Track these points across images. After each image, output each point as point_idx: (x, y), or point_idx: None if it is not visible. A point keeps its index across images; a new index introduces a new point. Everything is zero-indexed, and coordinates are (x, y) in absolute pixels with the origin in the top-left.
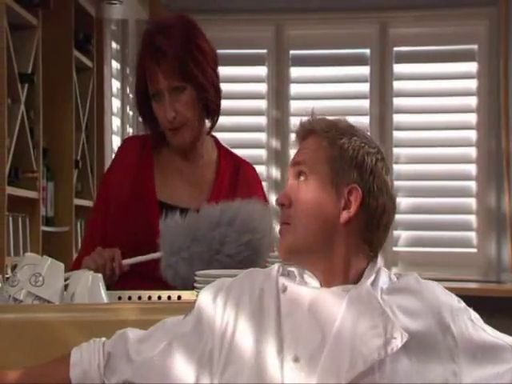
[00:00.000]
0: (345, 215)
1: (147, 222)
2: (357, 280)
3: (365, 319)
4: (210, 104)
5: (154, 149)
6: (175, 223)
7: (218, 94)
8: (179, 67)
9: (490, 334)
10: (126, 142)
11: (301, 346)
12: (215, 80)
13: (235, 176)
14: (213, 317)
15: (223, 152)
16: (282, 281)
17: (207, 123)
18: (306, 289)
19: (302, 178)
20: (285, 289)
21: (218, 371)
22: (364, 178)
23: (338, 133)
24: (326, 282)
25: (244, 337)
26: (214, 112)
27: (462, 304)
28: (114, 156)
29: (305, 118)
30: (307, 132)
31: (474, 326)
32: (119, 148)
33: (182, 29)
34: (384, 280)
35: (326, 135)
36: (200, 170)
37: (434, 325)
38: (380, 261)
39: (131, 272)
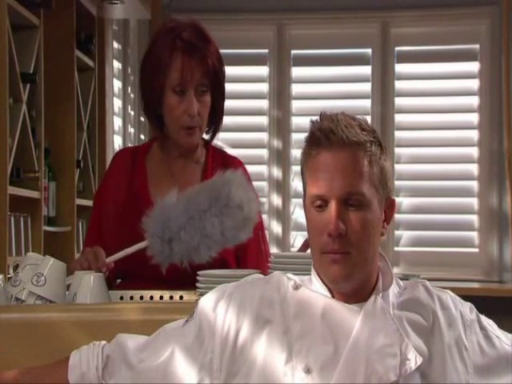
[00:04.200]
0: (385, 227)
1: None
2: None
3: (380, 335)
4: (217, 114)
5: (154, 149)
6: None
7: (224, 100)
8: (213, 68)
9: (503, 341)
10: (118, 154)
11: (312, 356)
12: (224, 88)
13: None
14: (213, 326)
15: (212, 152)
16: (295, 279)
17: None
18: (319, 294)
19: (353, 206)
20: (297, 287)
21: (220, 380)
22: (393, 184)
23: (375, 145)
24: (343, 296)
25: (248, 345)
26: (217, 123)
27: (474, 312)
28: (106, 168)
29: (331, 124)
30: (344, 144)
31: (487, 336)
32: (112, 160)
33: (204, 32)
34: (394, 291)
35: (370, 152)
36: (189, 172)
37: (446, 340)
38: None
39: (133, 275)
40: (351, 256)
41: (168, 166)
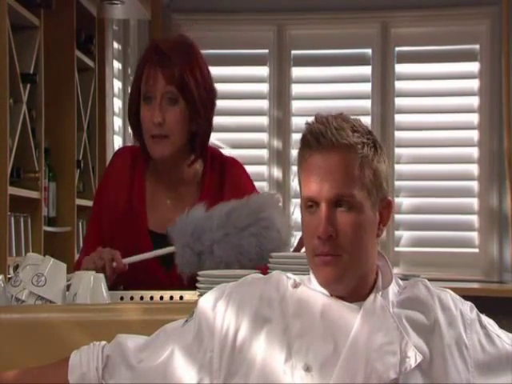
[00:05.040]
0: (380, 229)
1: (139, 251)
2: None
3: (380, 333)
4: (198, 131)
5: (146, 167)
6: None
7: (208, 124)
8: (180, 76)
9: (503, 341)
10: (117, 154)
11: (311, 354)
12: (209, 108)
13: (220, 189)
14: (212, 326)
15: (209, 163)
16: (294, 278)
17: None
18: (318, 293)
19: (343, 209)
20: (296, 286)
21: (219, 380)
22: (388, 185)
23: (368, 147)
24: (343, 296)
25: (247, 344)
26: (200, 143)
27: (474, 312)
28: (106, 167)
29: (321, 126)
30: (333, 146)
31: (487, 335)
32: (112, 159)
33: (188, 46)
34: (394, 290)
35: (362, 155)
36: (186, 193)
37: (446, 339)
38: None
39: (136, 283)
40: (342, 258)
41: (164, 190)
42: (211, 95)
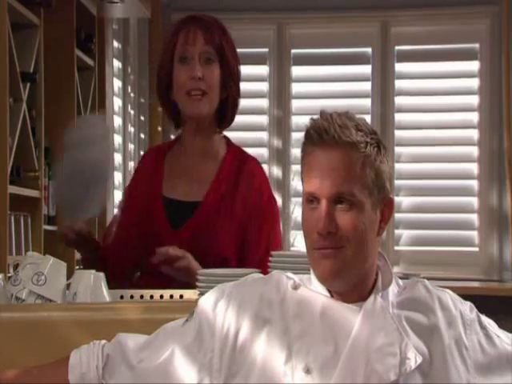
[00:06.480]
0: (381, 228)
1: (153, 217)
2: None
3: (380, 334)
4: (229, 98)
5: (169, 146)
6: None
7: (238, 91)
8: (218, 39)
9: (503, 341)
10: (144, 156)
11: (311, 356)
12: (238, 76)
13: (238, 173)
14: (213, 326)
15: (231, 150)
16: (294, 278)
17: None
18: (318, 294)
19: (344, 206)
20: (296, 287)
21: (220, 380)
22: (390, 185)
23: (372, 146)
24: (342, 296)
25: (248, 345)
26: (231, 108)
27: (474, 312)
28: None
29: (325, 123)
30: (336, 143)
31: (487, 335)
32: (139, 162)
33: (218, 20)
34: (394, 290)
35: (364, 154)
36: (205, 167)
37: (446, 340)
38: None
39: (152, 270)
40: (342, 251)
41: (184, 161)
42: (239, 69)
